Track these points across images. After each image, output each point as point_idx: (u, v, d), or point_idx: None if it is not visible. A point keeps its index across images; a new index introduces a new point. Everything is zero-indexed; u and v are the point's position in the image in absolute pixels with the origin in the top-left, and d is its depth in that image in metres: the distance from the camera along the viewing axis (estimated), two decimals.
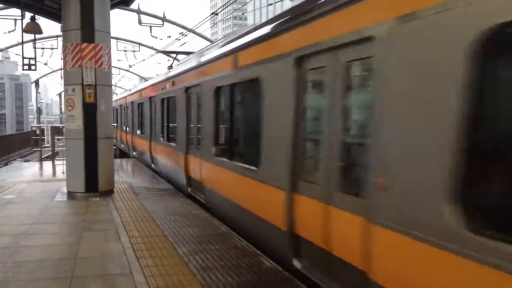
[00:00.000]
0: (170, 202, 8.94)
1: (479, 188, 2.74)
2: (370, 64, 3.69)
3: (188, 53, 15.85)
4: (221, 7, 21.81)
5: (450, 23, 2.79)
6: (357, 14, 3.82)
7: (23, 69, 14.55)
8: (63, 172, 11.15)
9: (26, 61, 13.99)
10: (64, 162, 10.69)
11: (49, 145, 17.30)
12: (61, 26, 10.38)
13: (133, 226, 7.01)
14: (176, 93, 10.97)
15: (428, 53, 2.98)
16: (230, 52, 7.13)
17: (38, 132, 18.63)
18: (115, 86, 50.76)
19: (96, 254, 5.65)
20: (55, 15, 12.87)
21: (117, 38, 28.69)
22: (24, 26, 12.73)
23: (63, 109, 13.16)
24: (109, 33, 9.98)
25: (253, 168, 6.03)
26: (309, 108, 4.94)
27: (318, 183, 4.53)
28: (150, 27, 22.63)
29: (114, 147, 12.19)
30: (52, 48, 31.08)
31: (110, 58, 9.89)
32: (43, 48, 31.06)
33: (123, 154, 22.67)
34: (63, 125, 12.17)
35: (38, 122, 41.92)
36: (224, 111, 7.82)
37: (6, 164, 20.48)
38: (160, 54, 30.79)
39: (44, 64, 36.56)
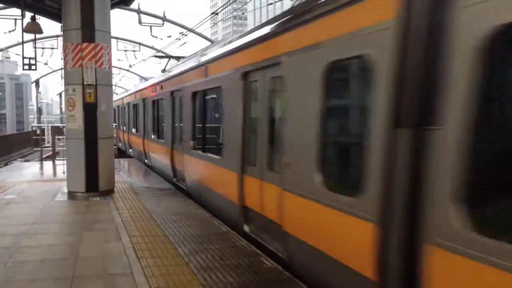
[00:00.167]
0: (170, 202, 8.95)
1: (334, 163, 4.62)
2: (281, 80, 5.32)
3: (178, 58, 17.68)
4: (221, 6, 21.81)
5: (310, 57, 4.63)
6: (273, 46, 5.55)
7: (23, 69, 14.57)
8: (64, 172, 11.16)
9: (26, 61, 14.02)
10: (65, 162, 10.69)
11: (49, 145, 17.31)
12: (61, 26, 10.40)
13: (134, 226, 7.02)
14: (164, 96, 12.54)
15: (302, 73, 4.79)
16: (202, 64, 8.66)
17: (38, 132, 18.63)
18: (116, 86, 50.74)
19: (97, 254, 5.66)
20: (55, 15, 12.88)
21: (117, 38, 28.67)
22: (24, 25, 12.73)
23: (63, 109, 13.21)
24: (109, 32, 9.98)
25: (218, 157, 7.67)
26: (252, 110, 6.46)
27: (256, 165, 6.14)
28: (150, 26, 22.63)
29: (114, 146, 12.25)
30: (52, 48, 31.05)
31: (110, 57, 9.89)
32: (43, 48, 31.03)
33: (121, 152, 22.69)
34: (64, 125, 12.18)
35: (39, 122, 41.90)
36: (198, 112, 9.42)
37: (6, 164, 20.48)
38: (160, 54, 30.85)
39: (44, 64, 36.53)
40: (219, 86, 7.58)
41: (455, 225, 2.71)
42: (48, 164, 16.14)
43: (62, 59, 10.74)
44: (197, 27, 23.47)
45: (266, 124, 5.87)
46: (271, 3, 26.54)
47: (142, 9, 21.64)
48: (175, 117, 11.18)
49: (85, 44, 9.36)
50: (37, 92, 44.01)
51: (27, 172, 14.15)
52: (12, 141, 30.13)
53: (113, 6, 12.03)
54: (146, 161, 15.85)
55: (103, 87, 9.67)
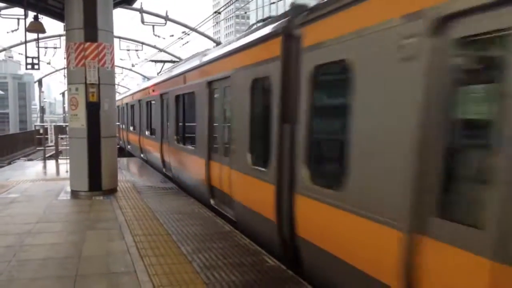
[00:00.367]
0: (173, 201, 8.96)
1: (255, 148, 6.30)
2: (230, 88, 7.28)
3: (173, 62, 20.03)
4: (223, 6, 21.81)
5: (244, 74, 6.55)
6: (226, 64, 7.50)
7: (26, 68, 14.62)
8: (67, 171, 11.18)
9: (29, 60, 14.07)
10: (68, 161, 10.71)
11: (52, 144, 17.35)
12: (64, 25, 10.39)
13: (137, 225, 7.03)
14: (155, 98, 14.43)
15: (240, 86, 6.68)
16: (182, 73, 10.67)
17: (41, 131, 18.69)
18: (118, 85, 50.80)
19: (100, 253, 5.68)
20: (58, 14, 12.89)
21: (119, 37, 28.68)
22: (27, 25, 12.76)
23: (66, 108, 13.27)
24: (112, 32, 9.99)
25: (192, 148, 9.69)
26: (214, 111, 8.39)
27: (217, 153, 8.03)
28: (153, 26, 22.62)
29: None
30: (55, 47, 31.11)
31: (113, 57, 9.90)
32: (46, 47, 31.08)
33: (120, 150, 22.75)
34: (67, 124, 12.20)
35: (42, 121, 41.94)
36: (179, 112, 11.31)
37: (9, 163, 20.53)
38: (163, 53, 30.86)
39: (47, 63, 36.64)
40: (193, 91, 9.54)
41: (306, 181, 4.82)
42: (51, 163, 16.16)
43: (65, 58, 10.77)
44: (200, 26, 23.47)
45: (222, 122, 7.86)
46: (273, 2, 26.51)
47: (145, 8, 21.61)
48: (164, 117, 12.90)
49: (88, 43, 9.38)
50: (40, 91, 44.06)
51: (30, 171, 14.18)
52: (15, 141, 30.22)
53: (116, 5, 12.05)
54: (142, 155, 17.58)
55: (106, 86, 9.68)
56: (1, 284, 4.63)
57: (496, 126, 2.64)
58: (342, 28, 4.14)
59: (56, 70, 43.23)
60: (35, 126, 24.96)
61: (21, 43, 27.04)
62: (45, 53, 31.60)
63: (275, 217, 5.47)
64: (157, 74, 18.58)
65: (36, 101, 78.04)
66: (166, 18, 22.48)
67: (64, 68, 24.68)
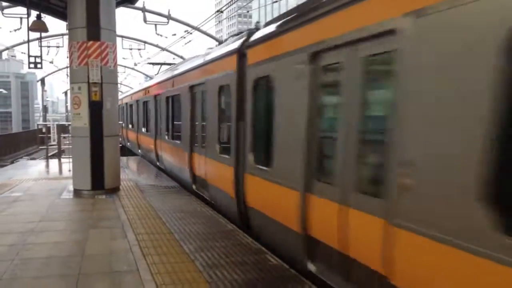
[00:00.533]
0: (175, 200, 8.98)
1: (221, 140, 7.91)
2: (205, 92, 8.97)
3: (170, 64, 21.31)
4: (226, 4, 21.80)
5: (213, 82, 8.37)
6: (201, 72, 9.15)
7: (29, 68, 14.62)
8: (69, 170, 11.21)
9: (32, 60, 14.07)
10: (70, 160, 10.73)
11: (55, 143, 17.38)
12: (67, 24, 10.40)
13: (139, 224, 7.04)
14: (150, 99, 16.21)
15: (212, 90, 8.33)
16: (171, 77, 12.44)
17: (44, 130, 18.72)
18: (121, 84, 50.87)
19: (103, 251, 5.69)
20: (61, 13, 12.90)
21: (122, 36, 28.68)
22: (30, 24, 12.77)
23: (69, 107, 13.31)
24: (114, 31, 10.00)
25: (179, 142, 11.14)
26: (195, 110, 9.92)
27: (197, 146, 9.57)
28: (155, 25, 22.61)
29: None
30: (57, 46, 31.06)
31: (115, 56, 9.91)
32: (48, 46, 31.02)
33: (122, 149, 22.82)
34: (69, 123, 12.21)
35: (44, 120, 42.04)
36: (169, 111, 12.81)
37: (12, 162, 20.59)
38: (165, 52, 30.88)
39: (50, 62, 36.60)
40: (179, 94, 11.20)
41: (251, 163, 6.37)
42: (54, 162, 16.21)
43: (67, 57, 10.76)
44: (202, 25, 23.47)
45: (200, 119, 9.48)
46: (276, 1, 26.48)
47: (147, 7, 21.61)
48: (157, 115, 14.52)
49: (91, 42, 9.39)
50: (43, 90, 44.17)
51: (33, 170, 14.23)
52: (18, 140, 30.29)
53: (118, 4, 12.03)
54: (139, 151, 19.16)
55: (108, 85, 9.70)
56: (4, 283, 4.64)
57: (341, 119, 4.30)
58: (266, 53, 5.96)
59: (59, 69, 43.26)
60: (37, 125, 25.03)
61: (23, 42, 27.14)
62: (48, 52, 31.52)
63: (234, 193, 7.11)
64: (155, 75, 20.53)
65: (39, 100, 78.23)
66: (169, 17, 22.48)
67: (67, 67, 24.73)
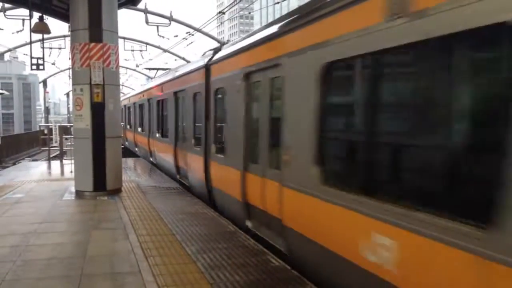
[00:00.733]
0: (177, 201, 8.98)
1: (196, 138, 10.03)
2: (184, 98, 11.10)
3: (165, 69, 23.95)
4: (227, 6, 21.84)
5: (191, 89, 10.39)
6: (182, 81, 11.26)
7: (31, 69, 14.63)
8: (71, 171, 11.23)
9: (34, 61, 14.08)
10: (72, 161, 10.75)
11: (57, 144, 17.41)
12: (69, 26, 10.42)
13: (141, 225, 7.05)
14: (144, 102, 18.33)
15: (189, 96, 10.52)
16: (161, 83, 14.65)
17: (46, 131, 18.75)
18: (123, 85, 50.90)
19: (105, 253, 5.69)
20: (63, 15, 12.94)
21: (124, 38, 28.74)
22: (32, 26, 12.79)
23: (71, 109, 13.43)
24: (116, 32, 10.02)
25: (167, 139, 13.15)
26: (179, 112, 11.86)
27: (180, 141, 11.49)
28: (157, 26, 22.67)
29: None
30: (60, 48, 31.19)
31: (118, 57, 9.92)
32: (51, 48, 31.18)
33: (123, 150, 22.96)
34: (71, 124, 12.23)
35: (46, 121, 42.09)
36: (159, 113, 14.93)
37: (14, 164, 20.63)
38: (167, 54, 30.93)
39: (52, 64, 36.69)
40: (167, 98, 13.28)
41: (213, 152, 8.48)
42: (55, 164, 16.23)
43: (69, 59, 10.79)
44: (204, 27, 23.52)
45: (181, 120, 11.43)
46: (277, 2, 26.51)
47: (149, 9, 21.68)
48: (150, 116, 16.62)
49: (93, 44, 9.41)
50: (45, 92, 44.19)
51: (35, 171, 14.24)
52: (20, 141, 30.32)
53: (120, 6, 12.06)
54: (136, 149, 21.08)
55: (110, 86, 9.71)
56: (6, 284, 4.65)
57: (261, 121, 6.29)
58: (221, 71, 8.14)
59: (61, 71, 43.35)
60: (39, 126, 25.09)
61: (26, 44, 27.18)
62: (50, 53, 31.68)
63: (204, 177, 9.02)
64: (154, 76, 24.42)
65: (41, 101, 78.23)
66: (170, 19, 22.53)
67: (69, 69, 24.77)
